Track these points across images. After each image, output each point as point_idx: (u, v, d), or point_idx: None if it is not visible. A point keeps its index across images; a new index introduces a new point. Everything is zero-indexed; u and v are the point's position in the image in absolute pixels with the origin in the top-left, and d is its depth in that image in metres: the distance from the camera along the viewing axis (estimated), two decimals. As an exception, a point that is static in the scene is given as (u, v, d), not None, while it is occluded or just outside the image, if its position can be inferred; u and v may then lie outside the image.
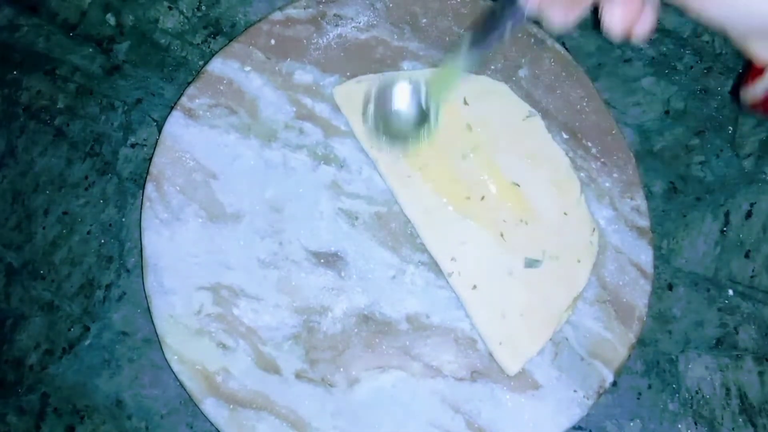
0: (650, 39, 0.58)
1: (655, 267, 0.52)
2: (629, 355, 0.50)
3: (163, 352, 0.49)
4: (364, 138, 0.53)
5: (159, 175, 0.52)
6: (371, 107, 0.47)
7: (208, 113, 0.53)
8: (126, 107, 0.56)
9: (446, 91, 0.44)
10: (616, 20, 0.30)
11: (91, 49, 0.57)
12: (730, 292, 0.53)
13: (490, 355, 0.50)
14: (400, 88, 0.45)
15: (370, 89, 0.47)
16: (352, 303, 0.50)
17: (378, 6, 0.55)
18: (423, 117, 0.45)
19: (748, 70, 0.36)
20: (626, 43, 0.57)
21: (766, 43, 0.31)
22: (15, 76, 0.57)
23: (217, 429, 0.48)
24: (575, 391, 0.49)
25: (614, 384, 0.51)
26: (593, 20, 0.32)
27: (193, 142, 0.53)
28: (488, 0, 0.56)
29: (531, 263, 0.51)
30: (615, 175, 0.53)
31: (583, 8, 0.31)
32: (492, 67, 0.55)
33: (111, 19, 0.58)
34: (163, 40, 0.57)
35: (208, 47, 0.57)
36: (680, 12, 0.59)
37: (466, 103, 0.53)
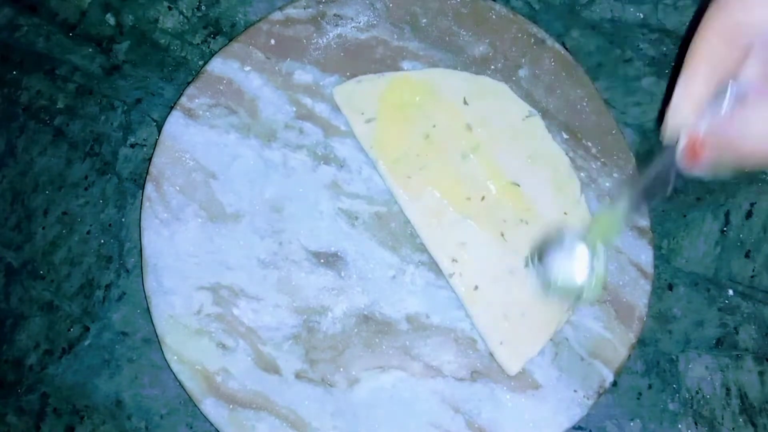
0: (650, 38, 0.58)
1: (655, 267, 0.52)
2: (629, 355, 0.50)
3: (162, 352, 0.49)
4: (363, 138, 0.53)
5: (159, 175, 0.52)
6: (540, 267, 0.47)
7: (207, 113, 0.53)
8: (126, 107, 0.56)
9: (610, 238, 0.44)
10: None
11: (90, 49, 0.57)
12: (731, 291, 0.53)
13: (490, 355, 0.50)
14: (564, 249, 0.45)
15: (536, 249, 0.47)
16: (352, 303, 0.50)
17: (378, 6, 0.55)
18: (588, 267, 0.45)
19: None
20: (624, 43, 0.57)
21: None
22: (15, 76, 0.57)
23: (216, 429, 0.48)
24: (575, 391, 0.49)
25: (614, 384, 0.51)
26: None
27: (192, 142, 0.53)
28: (488, 0, 0.56)
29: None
30: (615, 175, 0.53)
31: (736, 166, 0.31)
32: (492, 66, 0.55)
33: (111, 19, 0.58)
34: (162, 40, 0.57)
35: (208, 47, 0.57)
36: (680, 11, 0.59)
37: (466, 103, 0.53)
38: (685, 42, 0.52)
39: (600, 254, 0.45)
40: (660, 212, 0.55)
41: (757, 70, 0.29)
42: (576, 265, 0.45)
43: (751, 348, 0.52)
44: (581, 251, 0.45)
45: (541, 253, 0.47)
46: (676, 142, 0.31)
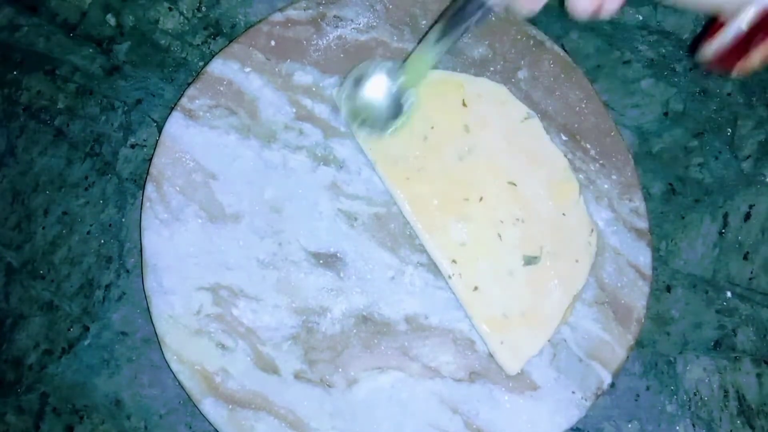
0: (649, 40, 0.58)
1: (654, 268, 0.52)
2: (627, 357, 0.50)
3: (162, 352, 0.49)
4: (363, 139, 0.53)
5: (159, 175, 0.52)
6: (344, 94, 0.52)
7: (208, 114, 0.53)
8: (126, 108, 0.56)
9: (416, 80, 0.49)
10: (584, 3, 0.30)
11: (91, 50, 0.57)
12: (729, 293, 0.53)
13: (489, 355, 0.50)
14: (373, 78, 0.50)
15: (345, 79, 0.52)
16: (351, 304, 0.51)
17: (378, 7, 0.55)
18: (397, 106, 0.51)
19: (709, 28, 0.37)
20: (623, 45, 0.57)
21: None
22: (15, 76, 0.57)
23: (215, 429, 0.48)
24: (573, 392, 0.49)
25: (612, 385, 0.51)
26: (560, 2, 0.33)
27: (192, 142, 0.53)
28: (488, 1, 0.56)
29: (529, 260, 0.51)
30: (614, 176, 0.53)
31: None
32: (491, 68, 0.55)
33: (111, 19, 0.58)
34: (163, 41, 0.57)
35: (208, 48, 0.57)
36: (680, 13, 0.59)
37: (464, 104, 0.53)
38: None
39: (406, 87, 0.50)
40: (659, 214, 0.55)
41: None
42: (382, 98, 0.51)
43: (749, 350, 0.52)
44: (384, 83, 0.50)
45: (353, 84, 0.51)
46: None
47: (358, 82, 0.51)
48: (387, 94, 0.50)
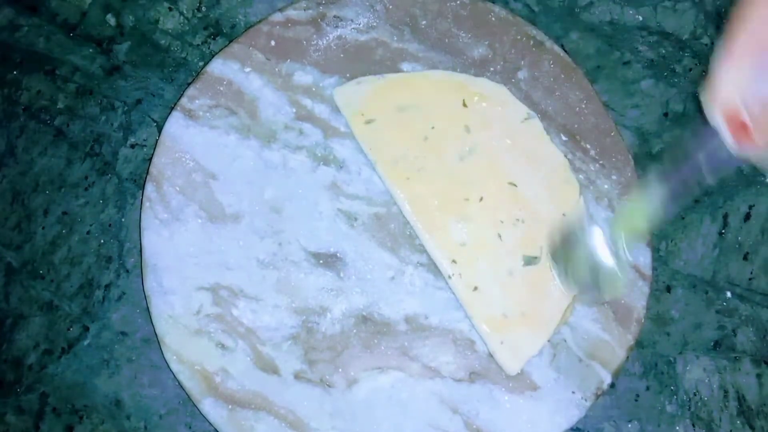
0: (649, 41, 0.58)
1: (654, 269, 0.52)
2: (627, 357, 0.50)
3: (162, 352, 0.49)
4: (363, 139, 0.53)
5: (159, 175, 0.52)
6: (558, 256, 0.47)
7: (207, 114, 0.53)
8: (126, 107, 0.56)
9: (636, 230, 0.42)
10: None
11: (91, 50, 0.57)
12: (729, 294, 0.53)
13: (489, 356, 0.50)
14: (586, 234, 0.44)
15: (556, 236, 0.47)
16: (351, 304, 0.51)
17: (378, 8, 0.55)
18: (615, 260, 0.44)
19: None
20: (623, 46, 0.57)
21: None
22: (15, 76, 0.57)
23: (215, 429, 0.48)
24: (573, 392, 0.49)
25: (612, 386, 0.51)
26: None
27: (192, 142, 0.53)
28: (487, 2, 0.56)
29: (529, 260, 0.51)
30: (614, 177, 0.53)
31: None
32: (491, 68, 0.55)
33: (111, 19, 0.58)
34: (163, 41, 0.57)
35: (208, 48, 0.57)
36: (679, 14, 0.59)
37: (464, 105, 0.53)
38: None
39: (623, 245, 0.43)
40: (658, 214, 0.55)
41: None
42: (599, 259, 0.44)
43: (749, 350, 0.52)
44: (601, 243, 0.44)
45: (560, 248, 0.47)
46: (719, 123, 0.29)
47: (569, 243, 0.45)
48: (602, 252, 0.44)
